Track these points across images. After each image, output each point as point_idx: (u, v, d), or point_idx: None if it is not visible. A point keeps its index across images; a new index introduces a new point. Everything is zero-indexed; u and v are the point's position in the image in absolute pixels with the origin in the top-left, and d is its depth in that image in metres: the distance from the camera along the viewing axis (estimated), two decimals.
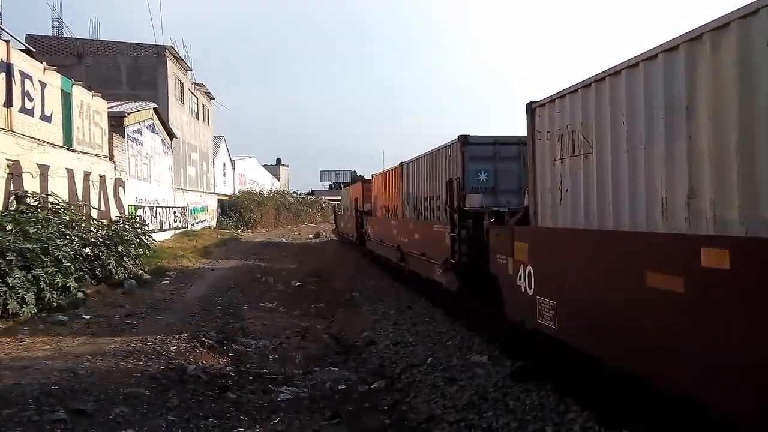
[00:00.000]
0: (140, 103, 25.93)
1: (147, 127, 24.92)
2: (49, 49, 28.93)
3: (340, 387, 7.46)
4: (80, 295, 11.78)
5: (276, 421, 6.25)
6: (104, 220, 16.93)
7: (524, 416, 5.98)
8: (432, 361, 8.28)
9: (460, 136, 10.58)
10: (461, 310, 10.78)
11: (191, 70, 36.57)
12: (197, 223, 35.01)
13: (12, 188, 12.85)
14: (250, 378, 7.82)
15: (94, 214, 16.85)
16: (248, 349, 9.22)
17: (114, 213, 19.27)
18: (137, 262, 15.96)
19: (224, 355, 8.69)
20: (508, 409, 6.21)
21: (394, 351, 9.24)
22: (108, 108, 20.35)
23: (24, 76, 13.93)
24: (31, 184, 13.68)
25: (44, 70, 15.12)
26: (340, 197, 76.49)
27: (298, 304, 13.47)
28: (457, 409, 6.35)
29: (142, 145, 24.07)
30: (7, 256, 9.82)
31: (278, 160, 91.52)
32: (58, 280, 10.81)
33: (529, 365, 7.30)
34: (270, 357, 8.93)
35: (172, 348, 8.53)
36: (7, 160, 12.78)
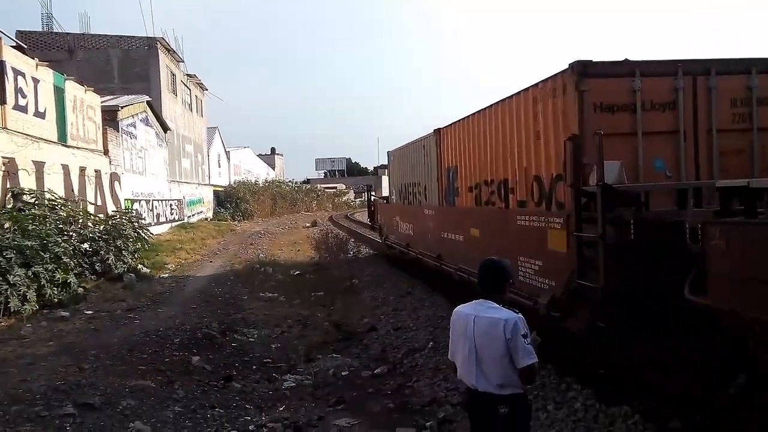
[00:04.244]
0: (133, 96, 25.75)
1: (141, 121, 24.81)
2: (39, 44, 28.64)
3: (343, 373, 7.56)
4: (81, 290, 11.82)
5: (281, 408, 6.34)
6: (101, 215, 16.90)
7: None
8: (433, 345, 8.37)
9: None
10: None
11: (183, 62, 36.31)
12: (194, 215, 34.96)
13: (8, 186, 12.83)
14: (254, 367, 7.91)
15: (90, 209, 16.83)
16: (250, 339, 9.29)
17: (110, 207, 19.24)
18: (136, 256, 15.97)
19: (227, 345, 8.76)
20: None
21: (396, 336, 9.33)
22: (101, 102, 20.24)
23: (16, 72, 13.84)
24: (27, 181, 13.66)
25: (36, 66, 15.01)
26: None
27: (298, 293, 13.52)
28: (459, 392, 6.43)
29: (136, 138, 23.98)
30: (7, 253, 9.84)
31: (273, 150, 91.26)
32: (58, 276, 10.84)
33: None
34: (273, 346, 9.01)
35: (175, 340, 8.60)
36: (3, 157, 12.75)
